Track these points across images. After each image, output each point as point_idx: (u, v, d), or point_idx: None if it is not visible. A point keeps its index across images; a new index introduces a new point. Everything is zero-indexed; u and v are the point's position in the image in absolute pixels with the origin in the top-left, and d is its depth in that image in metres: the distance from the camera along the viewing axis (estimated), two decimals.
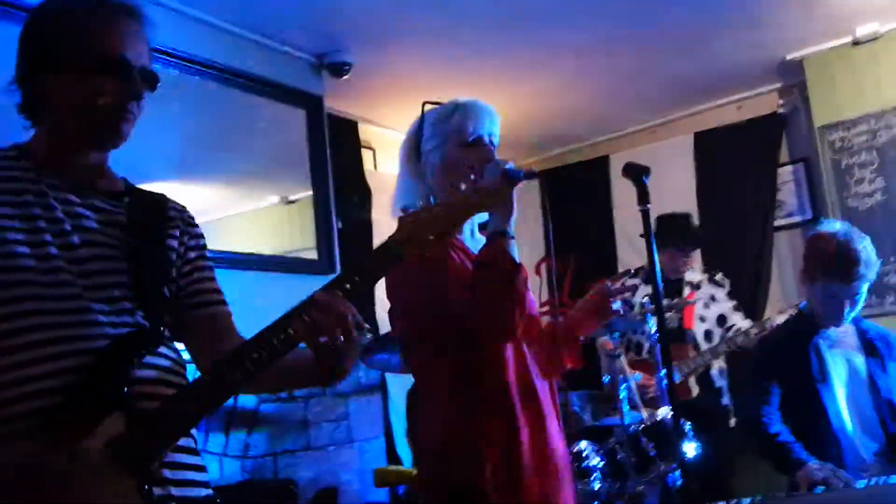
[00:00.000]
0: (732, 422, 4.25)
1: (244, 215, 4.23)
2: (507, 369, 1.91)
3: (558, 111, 5.35)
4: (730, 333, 4.02)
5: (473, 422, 1.87)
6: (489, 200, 1.44)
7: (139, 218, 1.48)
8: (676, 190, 5.30)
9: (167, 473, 1.34)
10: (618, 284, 2.19)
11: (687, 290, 4.29)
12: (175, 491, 1.34)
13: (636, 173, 1.97)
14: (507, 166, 1.83)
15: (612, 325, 3.63)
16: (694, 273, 4.36)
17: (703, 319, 4.22)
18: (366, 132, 5.13)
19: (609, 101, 5.36)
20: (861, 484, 2.41)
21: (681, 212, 4.36)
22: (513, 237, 1.85)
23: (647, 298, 4.22)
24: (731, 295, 4.37)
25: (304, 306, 1.29)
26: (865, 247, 2.77)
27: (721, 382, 4.27)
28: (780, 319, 3.69)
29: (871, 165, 4.69)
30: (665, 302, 3.77)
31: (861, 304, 2.84)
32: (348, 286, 1.32)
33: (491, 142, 2.02)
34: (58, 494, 1.20)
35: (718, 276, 4.42)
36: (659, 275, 2.01)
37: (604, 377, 4.04)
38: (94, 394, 1.28)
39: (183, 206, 1.60)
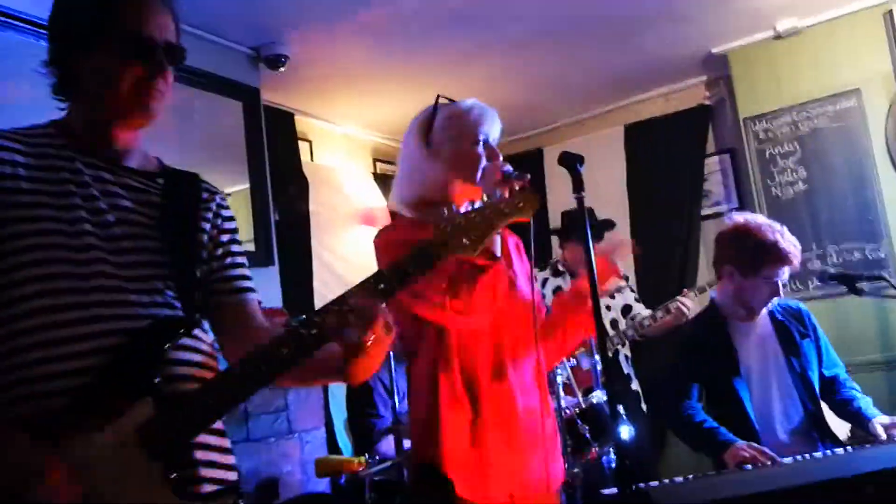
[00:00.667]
0: (644, 407, 4.40)
1: None
2: (476, 354, 2.04)
3: (491, 104, 5.36)
4: (635, 320, 4.16)
5: (438, 404, 2.00)
6: (523, 209, 1.50)
7: (173, 198, 1.50)
8: (608, 181, 5.44)
9: (198, 454, 1.37)
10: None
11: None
12: (204, 471, 1.37)
13: (571, 162, 2.02)
14: (504, 168, 1.97)
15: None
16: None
17: (608, 308, 4.37)
18: (302, 124, 5.11)
19: (541, 95, 5.44)
20: (787, 460, 2.52)
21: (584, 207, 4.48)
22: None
23: (555, 288, 4.38)
24: (632, 288, 4.57)
25: (336, 303, 1.32)
26: (787, 231, 2.92)
27: (628, 369, 4.44)
28: (686, 302, 3.84)
29: (793, 155, 4.88)
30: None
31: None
32: (382, 286, 1.35)
33: (494, 144, 2.14)
34: (85, 478, 1.21)
35: (619, 268, 4.57)
36: (594, 265, 2.07)
37: None
38: (126, 377, 1.29)
39: (216, 189, 1.62)
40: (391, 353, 2.93)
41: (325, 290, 4.84)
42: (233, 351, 1.51)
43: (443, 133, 2.11)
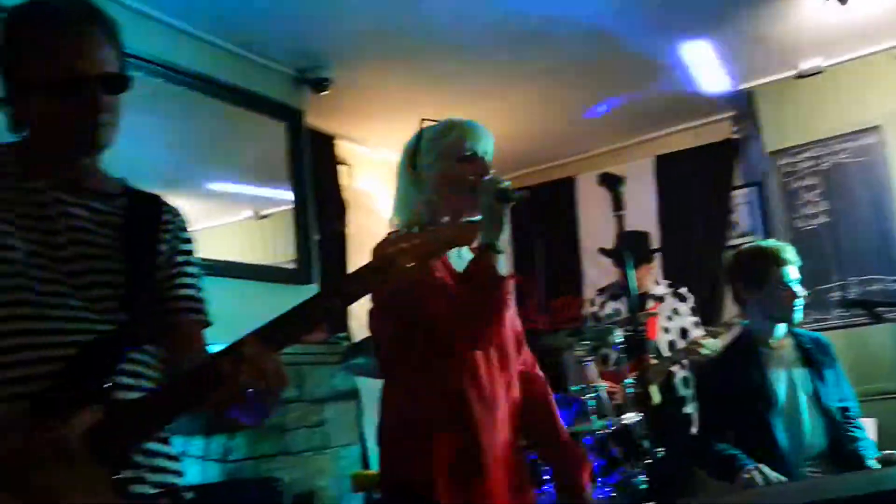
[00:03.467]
0: (694, 430, 4.40)
1: (217, 229, 4.27)
2: (467, 376, 1.98)
3: (528, 131, 5.53)
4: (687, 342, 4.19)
5: (425, 423, 1.95)
6: (465, 236, 1.51)
7: (133, 219, 1.53)
8: (640, 209, 5.55)
9: (141, 460, 1.40)
10: None
11: (651, 303, 4.45)
12: (149, 476, 1.41)
13: (612, 182, 2.10)
14: (501, 185, 1.92)
15: (582, 334, 3.81)
16: (659, 286, 4.52)
17: (666, 331, 4.37)
18: (342, 148, 5.24)
19: (575, 123, 5.57)
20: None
21: (638, 230, 4.55)
22: (501, 252, 1.93)
23: (612, 311, 4.42)
24: (694, 311, 4.56)
25: (231, 351, 1.32)
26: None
27: (685, 392, 4.39)
28: (706, 342, 3.85)
29: (815, 189, 4.99)
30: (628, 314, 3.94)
31: (802, 302, 3.01)
32: (328, 305, 1.38)
33: (484, 159, 2.08)
34: (33, 479, 1.26)
35: (682, 290, 4.60)
36: (633, 283, 2.15)
37: (571, 385, 4.18)
38: (77, 384, 1.34)
39: (178, 211, 1.64)
40: None
41: (361, 311, 4.94)
42: (173, 367, 1.53)
43: (427, 155, 2.09)
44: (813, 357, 3.03)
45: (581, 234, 5.92)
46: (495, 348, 2.05)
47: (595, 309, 4.56)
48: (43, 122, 1.43)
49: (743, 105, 5.43)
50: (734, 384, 3.00)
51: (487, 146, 2.10)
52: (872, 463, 2.82)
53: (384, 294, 1.97)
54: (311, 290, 4.30)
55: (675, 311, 4.39)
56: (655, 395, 3.88)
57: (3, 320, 1.35)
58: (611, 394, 3.95)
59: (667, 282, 4.67)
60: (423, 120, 2.15)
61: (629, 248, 4.33)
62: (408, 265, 1.39)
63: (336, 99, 4.60)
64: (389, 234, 1.53)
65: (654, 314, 4.27)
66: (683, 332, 4.37)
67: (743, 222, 5.61)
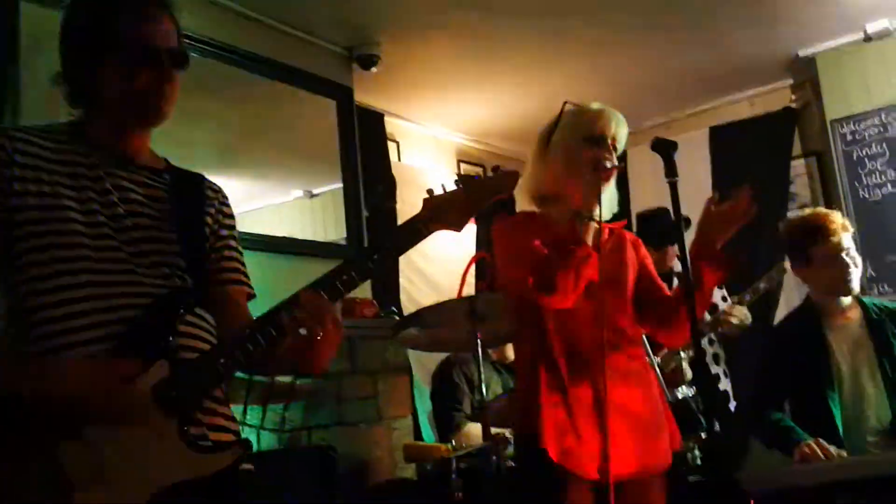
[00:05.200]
0: (732, 405, 4.36)
1: (270, 208, 4.35)
2: (575, 337, 2.17)
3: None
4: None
5: (538, 381, 2.15)
6: (507, 185, 1.59)
7: (179, 194, 1.63)
8: (693, 183, 5.40)
9: (202, 417, 1.49)
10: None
11: (676, 282, 4.37)
12: (210, 433, 1.49)
13: (665, 147, 2.07)
14: (607, 164, 2.17)
15: None
16: (679, 265, 4.40)
17: None
18: (390, 125, 5.26)
19: (626, 96, 5.42)
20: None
21: (657, 207, 4.43)
22: (591, 219, 2.19)
23: None
24: (719, 286, 4.49)
25: (290, 302, 1.44)
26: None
27: (717, 369, 4.35)
28: (733, 312, 3.76)
29: (881, 157, 4.82)
30: None
31: (859, 269, 2.90)
32: (344, 277, 1.47)
33: (614, 145, 2.25)
34: (108, 433, 1.34)
35: None
36: (687, 256, 2.12)
37: None
38: (143, 342, 1.42)
39: (219, 187, 1.75)
40: (479, 349, 3.01)
41: (410, 287, 4.98)
42: (222, 334, 1.61)
43: (559, 133, 2.25)
44: (882, 327, 2.93)
45: (633, 209, 5.82)
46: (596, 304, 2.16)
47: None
48: (113, 92, 1.52)
49: (802, 72, 5.27)
50: (793, 355, 2.94)
51: (618, 131, 2.27)
52: None
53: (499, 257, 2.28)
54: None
55: None
56: (688, 372, 3.83)
57: (68, 287, 1.42)
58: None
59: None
60: (566, 103, 2.28)
61: (642, 231, 4.38)
62: (451, 215, 1.52)
63: (385, 75, 4.61)
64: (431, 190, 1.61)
65: None
66: (713, 308, 4.30)
67: (802, 194, 5.45)
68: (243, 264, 1.72)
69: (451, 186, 1.55)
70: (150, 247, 1.53)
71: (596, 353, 2.14)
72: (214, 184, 1.75)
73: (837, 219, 2.89)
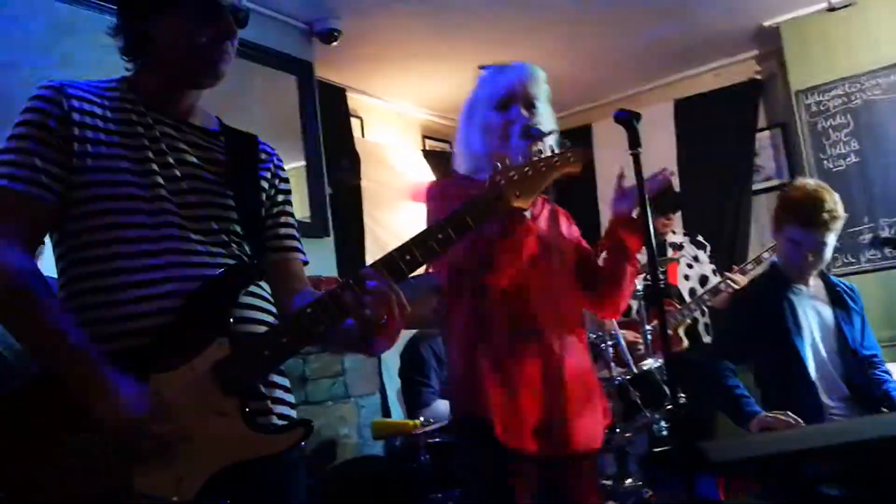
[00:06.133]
0: None
1: None
2: (515, 311, 2.05)
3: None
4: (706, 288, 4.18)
5: (476, 358, 2.04)
6: (573, 162, 1.60)
7: (235, 156, 1.57)
8: (658, 156, 5.41)
9: (265, 391, 1.46)
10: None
11: (670, 251, 4.43)
12: (273, 407, 1.47)
13: (628, 119, 2.02)
14: (532, 129, 2.02)
15: None
16: (676, 235, 4.51)
17: (686, 278, 4.37)
18: (353, 100, 5.19)
19: (592, 70, 5.46)
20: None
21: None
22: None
23: None
24: (711, 258, 4.53)
25: (354, 281, 1.39)
26: (835, 200, 2.83)
27: (707, 338, 4.42)
28: (736, 279, 3.84)
29: (845, 128, 4.83)
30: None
31: (827, 258, 2.91)
32: (440, 236, 1.44)
33: (529, 103, 2.11)
34: (170, 412, 1.30)
35: (700, 238, 4.59)
36: (651, 228, 2.11)
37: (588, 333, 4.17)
38: (203, 318, 1.38)
39: (273, 149, 1.69)
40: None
41: None
42: (280, 303, 1.59)
43: (476, 103, 2.16)
44: (843, 299, 2.99)
45: (598, 182, 5.81)
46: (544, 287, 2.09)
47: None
48: (172, 47, 1.47)
49: (767, 42, 5.25)
50: (759, 315, 2.96)
51: (536, 89, 2.12)
52: None
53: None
54: (327, 243, 4.29)
55: (696, 259, 4.38)
56: (685, 340, 3.90)
57: (126, 256, 1.38)
58: (633, 343, 3.93)
59: (684, 230, 4.66)
60: (480, 67, 2.21)
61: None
62: (519, 194, 1.51)
63: (346, 50, 4.54)
64: (497, 166, 1.55)
65: (675, 259, 4.26)
66: (703, 280, 4.38)
67: (767, 165, 5.47)
68: (298, 230, 1.69)
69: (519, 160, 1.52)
70: (208, 212, 1.47)
71: (543, 328, 2.08)
72: (269, 145, 1.69)
73: (831, 212, 2.82)
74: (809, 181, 2.95)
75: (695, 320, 4.29)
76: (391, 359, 4.42)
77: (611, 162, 5.76)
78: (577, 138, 5.96)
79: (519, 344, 2.05)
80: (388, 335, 1.44)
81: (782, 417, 2.60)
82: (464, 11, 4.40)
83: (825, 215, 2.80)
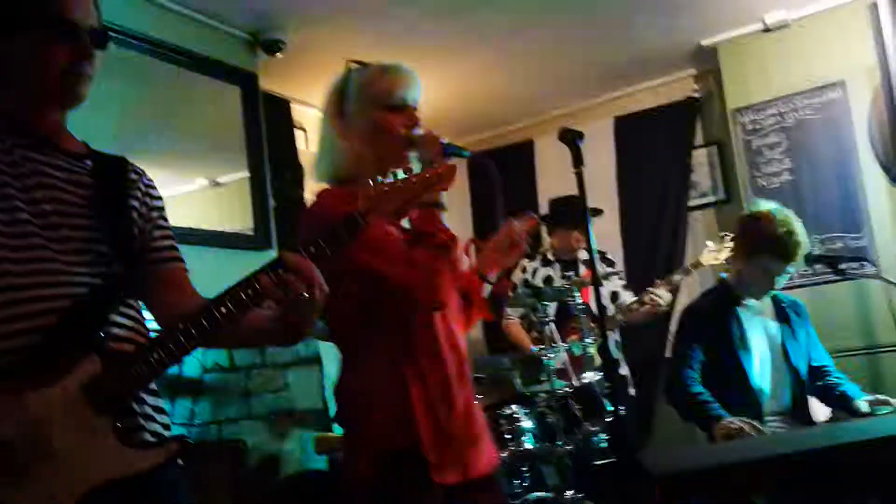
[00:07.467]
0: (632, 391, 4.50)
1: (171, 199, 4.16)
2: (438, 335, 1.93)
3: (486, 93, 5.50)
4: (622, 307, 4.25)
5: (405, 389, 1.86)
6: (444, 179, 1.54)
7: (102, 178, 1.53)
8: (598, 172, 5.51)
9: (136, 408, 1.44)
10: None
11: (582, 269, 4.47)
12: (144, 423, 1.44)
13: (571, 137, 2.07)
14: (443, 140, 1.93)
15: (544, 294, 3.82)
16: (584, 252, 4.51)
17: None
18: (297, 112, 5.17)
19: (533, 85, 5.53)
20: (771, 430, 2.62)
21: (570, 194, 4.50)
22: (445, 209, 1.88)
23: (545, 277, 4.50)
24: (620, 275, 4.63)
25: (273, 264, 1.39)
26: (802, 230, 2.96)
27: (617, 354, 4.48)
28: (658, 293, 3.94)
29: (779, 147, 4.97)
30: (566, 282, 3.99)
31: (785, 280, 3.04)
32: (313, 249, 1.42)
33: (414, 107, 2.01)
34: (36, 434, 1.28)
35: (609, 255, 4.68)
36: (594, 245, 2.14)
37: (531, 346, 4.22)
38: (74, 336, 1.35)
39: (142, 170, 1.66)
40: None
41: None
42: (166, 317, 1.56)
43: (355, 102, 2.00)
44: (788, 316, 3.09)
45: (540, 199, 5.87)
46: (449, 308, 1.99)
47: (527, 276, 4.57)
48: (25, 69, 1.42)
49: (705, 61, 5.39)
50: (708, 326, 3.06)
51: (417, 93, 2.02)
52: (862, 403, 2.87)
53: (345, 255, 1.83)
54: (270, 255, 4.25)
55: (605, 277, 4.43)
56: (596, 358, 3.93)
57: None
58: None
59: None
60: (350, 62, 2.08)
61: (556, 214, 4.48)
62: (391, 210, 1.49)
63: (291, 61, 4.52)
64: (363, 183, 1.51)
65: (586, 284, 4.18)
66: (614, 296, 4.42)
67: (704, 182, 5.59)
68: (176, 240, 1.66)
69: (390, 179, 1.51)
70: (72, 233, 1.44)
71: (459, 352, 1.98)
72: (137, 166, 1.65)
73: (801, 244, 2.93)
74: (775, 209, 3.02)
75: (604, 336, 4.30)
76: (334, 372, 4.39)
77: (552, 177, 5.88)
78: (520, 154, 6.07)
79: (439, 370, 1.91)
80: (307, 317, 1.45)
81: (747, 425, 2.68)
82: (406, 26, 4.42)
83: (799, 249, 2.92)
